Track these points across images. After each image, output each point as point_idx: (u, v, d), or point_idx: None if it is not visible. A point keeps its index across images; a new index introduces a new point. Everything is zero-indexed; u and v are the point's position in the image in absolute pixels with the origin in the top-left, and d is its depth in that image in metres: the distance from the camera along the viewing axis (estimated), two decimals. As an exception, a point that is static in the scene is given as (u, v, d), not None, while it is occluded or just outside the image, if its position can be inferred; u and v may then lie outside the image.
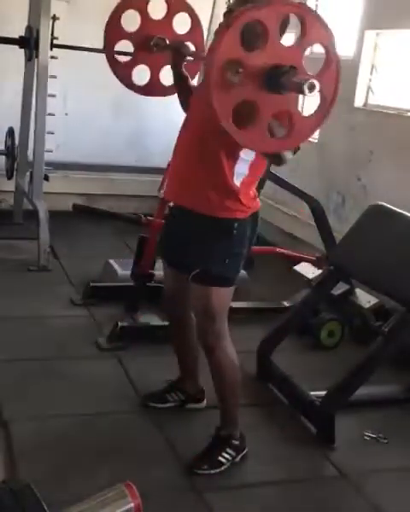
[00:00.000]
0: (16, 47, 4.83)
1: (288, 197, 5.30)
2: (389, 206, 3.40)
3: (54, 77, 4.81)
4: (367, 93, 5.34)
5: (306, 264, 4.38)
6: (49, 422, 2.86)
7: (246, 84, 2.03)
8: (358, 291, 4.10)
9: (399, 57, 5.06)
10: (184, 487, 2.54)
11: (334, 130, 5.59)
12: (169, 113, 6.33)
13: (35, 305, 4.07)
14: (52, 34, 4.69)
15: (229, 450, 2.67)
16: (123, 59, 3.24)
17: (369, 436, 3.01)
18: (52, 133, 4.92)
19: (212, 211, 2.52)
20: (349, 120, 5.36)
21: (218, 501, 2.48)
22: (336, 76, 2.15)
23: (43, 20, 4.65)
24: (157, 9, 3.20)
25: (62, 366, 3.36)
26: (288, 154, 2.37)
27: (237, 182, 2.51)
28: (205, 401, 3.06)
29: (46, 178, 4.96)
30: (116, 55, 3.23)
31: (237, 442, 2.70)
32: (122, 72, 3.22)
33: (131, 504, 1.42)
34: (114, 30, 3.17)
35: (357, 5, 5.31)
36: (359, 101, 5.34)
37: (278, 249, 4.62)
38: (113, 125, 6.33)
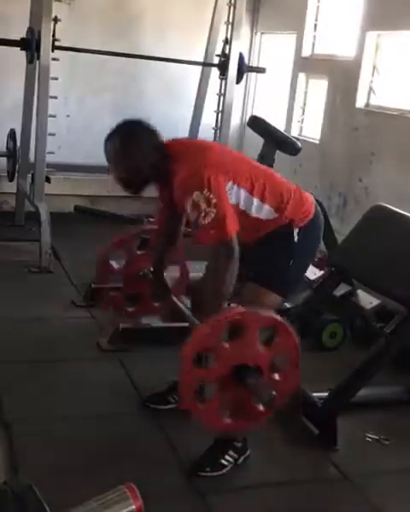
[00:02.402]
0: (18, 49, 4.84)
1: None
2: (390, 207, 3.40)
3: (55, 79, 4.82)
4: (369, 94, 5.35)
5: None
6: (51, 424, 2.86)
7: (214, 370, 2.27)
8: (359, 292, 4.10)
9: (400, 58, 5.07)
10: (186, 489, 2.54)
11: (336, 131, 5.60)
12: (170, 115, 6.36)
13: (36, 306, 4.07)
14: (53, 36, 4.69)
15: (231, 453, 2.67)
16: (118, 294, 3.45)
17: (371, 437, 3.01)
18: (53, 135, 4.93)
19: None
20: (351, 121, 5.37)
21: (219, 503, 2.48)
22: (294, 340, 2.40)
23: (45, 22, 4.65)
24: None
25: (64, 368, 3.36)
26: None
27: (269, 214, 2.60)
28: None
29: (48, 180, 4.97)
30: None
31: (239, 444, 2.70)
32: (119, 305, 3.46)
33: (133, 506, 1.42)
34: (103, 271, 3.46)
35: (358, 6, 5.31)
36: (360, 103, 5.34)
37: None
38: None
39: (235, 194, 2.52)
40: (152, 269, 3.08)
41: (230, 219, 2.43)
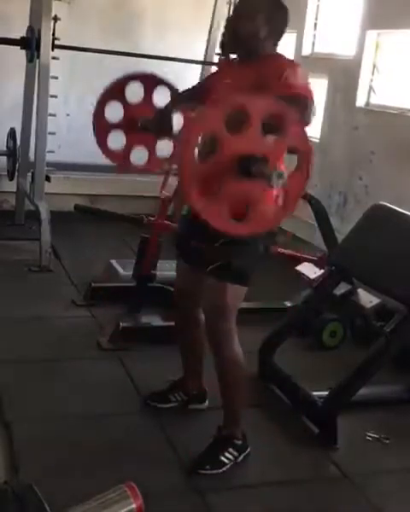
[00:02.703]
0: (18, 48, 4.84)
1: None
2: (390, 205, 3.40)
3: (55, 77, 4.82)
4: (369, 93, 5.34)
5: (307, 264, 4.37)
6: (51, 423, 2.86)
7: (218, 164, 2.12)
8: (360, 291, 4.09)
9: (400, 57, 5.06)
10: (186, 488, 2.54)
11: (336, 129, 5.59)
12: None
13: (36, 305, 4.07)
14: (53, 35, 4.69)
15: (231, 451, 2.67)
16: (118, 148, 3.26)
17: (371, 436, 3.01)
18: (53, 134, 4.93)
19: None
20: (351, 120, 5.36)
21: (219, 501, 2.48)
22: (304, 131, 2.20)
23: (45, 20, 4.65)
24: (135, 92, 3.25)
25: (64, 366, 3.37)
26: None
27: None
28: (207, 401, 3.06)
29: (48, 179, 4.97)
30: (111, 148, 3.24)
31: (239, 442, 2.70)
32: (122, 160, 3.28)
33: (133, 505, 1.42)
34: (101, 126, 3.20)
35: (358, 5, 5.31)
36: (360, 101, 5.34)
37: (279, 249, 4.62)
38: (114, 125, 6.33)
39: None
40: (163, 107, 2.94)
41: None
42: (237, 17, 2.59)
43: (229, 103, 2.12)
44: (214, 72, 2.77)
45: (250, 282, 2.62)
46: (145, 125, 3.01)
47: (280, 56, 2.56)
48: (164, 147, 3.21)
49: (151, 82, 3.19)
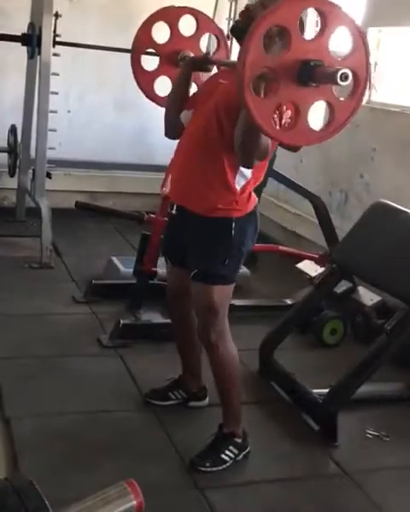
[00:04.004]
0: (18, 44, 4.83)
1: (290, 195, 5.30)
2: (391, 203, 3.40)
3: (56, 74, 4.81)
4: (370, 90, 5.33)
5: (308, 261, 4.38)
6: (51, 420, 2.86)
7: (280, 88, 2.08)
8: (360, 289, 4.10)
9: (402, 54, 5.05)
10: (186, 485, 2.54)
11: (337, 127, 5.58)
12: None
13: (37, 302, 4.07)
14: (54, 31, 4.69)
15: (232, 448, 2.67)
16: (147, 68, 3.24)
17: (371, 434, 3.01)
18: (54, 130, 4.92)
19: (208, 211, 2.54)
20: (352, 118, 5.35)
21: (219, 498, 2.48)
22: (367, 59, 2.15)
23: (46, 17, 4.64)
24: (187, 26, 3.23)
25: (64, 363, 3.37)
26: None
27: (238, 185, 2.53)
28: (207, 399, 3.06)
29: (49, 176, 4.96)
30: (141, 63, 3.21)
31: (239, 440, 2.70)
32: (144, 80, 3.25)
33: (134, 502, 1.42)
34: (144, 37, 3.19)
35: (360, 2, 5.30)
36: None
37: (280, 247, 4.62)
38: (115, 122, 6.33)
39: None
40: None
41: None
42: (263, 7, 2.41)
43: (261, 29, 2.02)
44: (212, 76, 2.76)
45: (236, 279, 2.63)
46: (185, 57, 2.99)
47: None
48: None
49: (205, 21, 3.16)
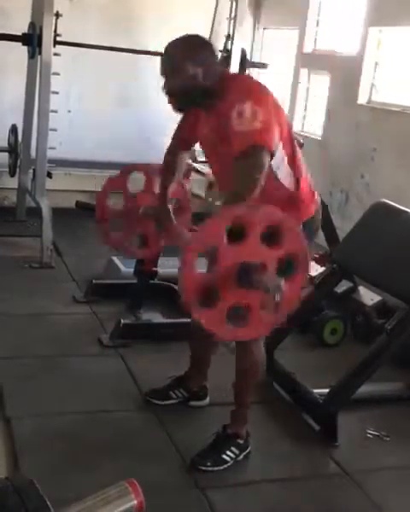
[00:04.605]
0: (19, 44, 4.83)
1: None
2: (392, 203, 3.40)
3: (57, 74, 4.82)
4: (371, 90, 5.34)
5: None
6: (52, 419, 2.86)
7: (218, 274, 2.16)
8: (361, 289, 4.10)
9: (402, 54, 5.06)
10: (186, 485, 2.54)
11: (337, 127, 5.59)
12: (172, 110, 6.34)
13: (38, 302, 4.07)
14: (55, 31, 4.69)
15: (233, 449, 2.67)
16: (118, 234, 3.31)
17: (371, 434, 3.01)
18: (55, 130, 4.92)
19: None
20: (353, 117, 5.36)
21: (220, 498, 2.48)
22: (301, 288, 2.32)
23: (47, 17, 4.65)
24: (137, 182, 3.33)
25: (65, 363, 3.37)
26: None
27: (290, 185, 2.54)
28: (208, 398, 3.06)
29: (49, 176, 4.97)
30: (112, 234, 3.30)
31: (242, 441, 2.70)
32: (115, 242, 3.32)
33: (134, 502, 1.41)
34: (103, 215, 3.26)
35: (361, 2, 5.30)
36: (362, 99, 5.34)
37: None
38: (116, 122, 6.33)
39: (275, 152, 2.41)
40: (157, 198, 2.97)
41: (270, 133, 2.30)
42: (168, 77, 2.52)
43: (227, 217, 2.15)
44: (190, 114, 2.72)
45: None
46: (146, 211, 3.08)
47: (230, 87, 2.44)
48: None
49: (152, 171, 3.22)
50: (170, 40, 2.57)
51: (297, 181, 2.56)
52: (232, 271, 2.15)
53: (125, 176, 3.27)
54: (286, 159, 2.49)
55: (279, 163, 2.46)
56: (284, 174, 2.51)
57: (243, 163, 2.28)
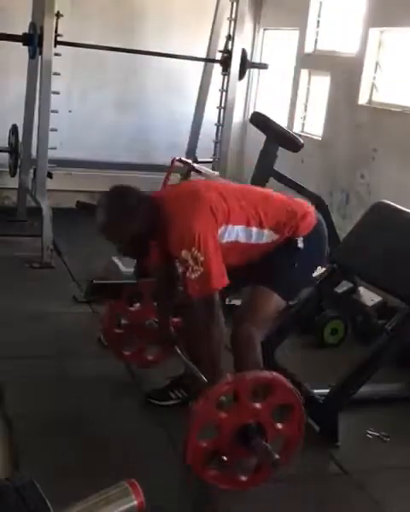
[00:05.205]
0: (20, 44, 4.84)
1: (291, 195, 5.28)
2: (392, 203, 3.40)
3: (57, 74, 4.82)
4: (371, 90, 5.33)
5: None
6: (52, 420, 2.86)
7: (218, 440, 2.32)
8: (361, 289, 4.10)
9: (403, 55, 5.05)
10: (186, 485, 2.54)
11: (338, 127, 5.59)
12: (172, 111, 6.36)
13: (38, 302, 4.07)
14: (56, 31, 4.69)
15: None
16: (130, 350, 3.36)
17: (372, 434, 3.01)
18: (56, 130, 4.92)
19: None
20: (353, 118, 5.36)
21: (220, 498, 2.48)
22: (300, 434, 2.44)
23: (47, 17, 4.65)
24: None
25: (65, 363, 3.37)
26: None
27: (273, 237, 2.66)
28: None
29: (49, 176, 4.97)
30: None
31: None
32: (138, 360, 3.36)
33: (135, 502, 1.41)
34: (112, 337, 3.31)
35: (361, 3, 5.30)
36: (363, 99, 5.33)
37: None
38: (116, 122, 6.34)
39: (231, 233, 2.58)
40: (157, 318, 3.12)
41: (216, 273, 2.47)
42: (109, 239, 2.66)
43: (217, 392, 2.31)
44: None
45: (293, 299, 2.79)
46: (152, 324, 3.18)
47: (170, 226, 2.55)
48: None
49: (148, 288, 3.24)
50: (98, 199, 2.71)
51: (278, 227, 2.64)
52: (232, 435, 2.31)
53: (124, 301, 3.29)
54: (252, 225, 2.60)
55: (246, 234, 2.60)
56: (256, 237, 2.63)
57: (200, 309, 2.52)
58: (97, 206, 2.65)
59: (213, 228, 2.51)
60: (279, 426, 2.39)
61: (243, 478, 2.40)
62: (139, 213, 2.58)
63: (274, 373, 2.40)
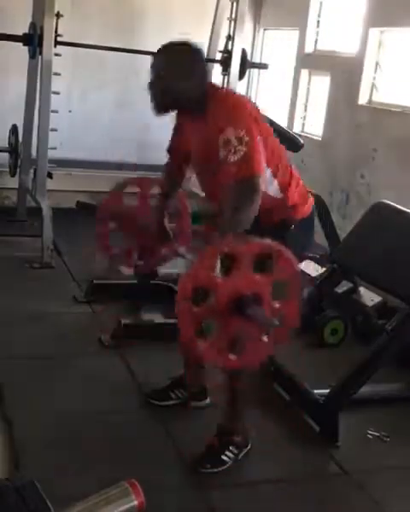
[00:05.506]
0: (20, 44, 4.83)
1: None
2: (392, 203, 3.40)
3: (58, 74, 4.82)
4: (371, 91, 5.34)
5: (309, 261, 4.37)
6: (52, 419, 2.86)
7: (214, 306, 2.20)
8: (361, 289, 4.10)
9: (403, 55, 5.06)
10: (186, 485, 2.54)
11: (338, 127, 5.59)
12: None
13: (38, 302, 4.07)
14: (56, 31, 4.69)
15: (231, 449, 2.67)
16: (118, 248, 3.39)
17: (372, 434, 3.01)
18: (56, 130, 4.92)
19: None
20: (353, 118, 5.36)
21: (220, 498, 2.48)
22: (297, 313, 2.38)
23: (48, 17, 4.65)
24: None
25: (65, 363, 3.37)
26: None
27: (276, 193, 2.58)
28: (208, 398, 3.06)
29: (50, 176, 4.97)
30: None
31: (238, 438, 2.69)
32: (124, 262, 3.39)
33: (135, 502, 1.42)
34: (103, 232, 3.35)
35: (361, 3, 5.30)
36: (363, 99, 5.34)
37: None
38: (116, 122, 6.33)
39: None
40: (155, 214, 3.01)
41: (259, 160, 2.37)
42: (156, 78, 2.60)
43: (216, 252, 2.19)
44: (180, 123, 2.78)
45: None
46: (145, 226, 3.11)
47: (213, 103, 2.50)
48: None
49: (146, 184, 3.23)
50: (168, 41, 2.64)
51: (284, 185, 2.60)
52: (228, 304, 2.20)
53: (121, 191, 3.27)
54: (270, 165, 2.52)
55: (266, 179, 2.51)
56: (267, 181, 2.53)
57: (239, 192, 2.35)
58: (157, 53, 2.62)
59: (257, 128, 2.43)
60: (277, 304, 2.29)
61: (232, 357, 2.28)
62: (196, 78, 2.52)
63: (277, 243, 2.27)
